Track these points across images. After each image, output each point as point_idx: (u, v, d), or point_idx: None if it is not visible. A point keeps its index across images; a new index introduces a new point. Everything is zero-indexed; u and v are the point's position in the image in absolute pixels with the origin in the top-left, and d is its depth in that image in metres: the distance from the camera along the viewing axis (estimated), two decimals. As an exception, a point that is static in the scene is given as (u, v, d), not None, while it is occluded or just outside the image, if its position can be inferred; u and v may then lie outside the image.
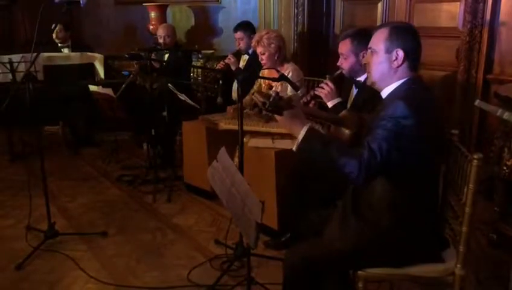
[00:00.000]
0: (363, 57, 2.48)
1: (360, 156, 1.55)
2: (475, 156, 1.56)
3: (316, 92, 2.55)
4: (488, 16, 3.25)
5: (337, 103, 2.51)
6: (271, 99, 1.71)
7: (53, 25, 4.67)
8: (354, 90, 2.60)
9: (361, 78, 2.55)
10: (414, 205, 1.67)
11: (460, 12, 3.50)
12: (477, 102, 1.96)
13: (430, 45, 3.70)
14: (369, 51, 1.79)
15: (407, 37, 1.70)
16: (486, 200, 2.97)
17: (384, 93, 1.75)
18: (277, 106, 1.72)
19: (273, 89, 3.30)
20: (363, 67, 2.51)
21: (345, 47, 2.52)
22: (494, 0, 3.20)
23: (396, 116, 1.55)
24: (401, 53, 1.68)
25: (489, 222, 2.77)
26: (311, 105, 2.58)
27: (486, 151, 2.79)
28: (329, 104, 2.52)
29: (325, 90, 2.52)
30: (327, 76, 2.66)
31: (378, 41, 1.73)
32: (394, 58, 1.70)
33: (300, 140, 1.68)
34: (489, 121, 3.34)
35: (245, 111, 3.11)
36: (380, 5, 4.23)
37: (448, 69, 3.65)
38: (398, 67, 1.70)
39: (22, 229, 2.95)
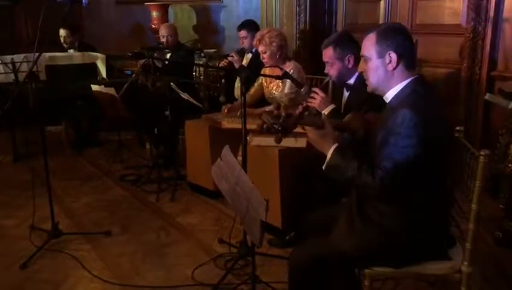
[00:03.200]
0: (349, 61, 2.49)
1: (376, 177, 1.56)
2: (482, 153, 1.55)
3: (309, 104, 2.51)
4: (491, 13, 3.24)
5: (332, 109, 2.48)
6: (281, 120, 1.72)
7: (60, 30, 4.66)
8: (346, 94, 2.59)
9: (351, 81, 2.55)
10: (421, 206, 1.65)
11: (463, 9, 3.48)
12: (487, 95, 1.96)
13: (433, 43, 3.70)
14: (362, 58, 1.77)
15: (396, 37, 1.68)
16: (491, 198, 2.96)
17: (389, 96, 1.72)
18: (287, 125, 1.73)
19: (280, 93, 3.28)
20: (350, 70, 2.51)
21: (328, 54, 2.51)
22: (498, -3, 3.19)
23: (405, 126, 1.53)
24: (393, 55, 1.66)
25: (495, 219, 2.76)
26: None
27: (491, 149, 2.77)
28: (325, 112, 2.48)
29: (317, 100, 2.48)
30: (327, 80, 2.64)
31: (369, 47, 1.71)
32: (388, 61, 1.67)
33: (328, 159, 1.70)
34: (494, 118, 3.33)
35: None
36: (382, 2, 4.22)
37: (452, 67, 3.63)
38: (393, 70, 1.68)
39: (26, 229, 2.95)
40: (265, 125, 1.80)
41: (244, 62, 4.02)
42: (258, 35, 3.32)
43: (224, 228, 3.03)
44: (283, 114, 1.72)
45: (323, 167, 1.72)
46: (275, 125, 1.73)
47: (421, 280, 2.04)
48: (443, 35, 3.67)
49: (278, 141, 1.90)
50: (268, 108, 3.35)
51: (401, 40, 1.68)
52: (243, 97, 2.34)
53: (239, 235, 2.66)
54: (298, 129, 2.23)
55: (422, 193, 1.64)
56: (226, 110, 3.44)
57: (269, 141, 2.85)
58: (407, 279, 2.22)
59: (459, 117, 3.46)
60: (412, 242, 1.66)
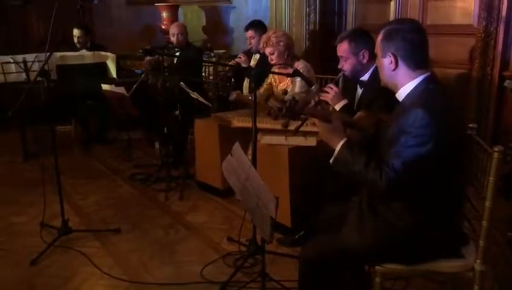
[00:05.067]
0: (363, 56, 2.48)
1: (383, 174, 1.55)
2: (496, 149, 1.54)
3: (321, 97, 2.52)
4: (504, 12, 3.21)
5: (344, 105, 2.48)
6: (287, 105, 1.71)
7: (74, 30, 4.68)
8: (359, 90, 2.58)
9: (365, 77, 2.53)
10: (433, 204, 1.64)
11: (475, 9, 3.45)
12: (506, 82, 1.96)
13: (444, 43, 3.67)
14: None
15: (397, 39, 1.68)
16: (503, 199, 2.92)
17: (401, 94, 1.72)
18: (293, 110, 1.72)
19: (288, 94, 3.27)
20: (365, 66, 2.50)
21: (343, 49, 2.50)
22: (510, -4, 3.16)
23: (416, 125, 1.53)
24: (392, 57, 1.68)
25: (507, 220, 2.73)
26: None
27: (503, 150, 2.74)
28: (337, 108, 2.49)
29: (330, 94, 2.49)
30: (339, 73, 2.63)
31: (377, 45, 1.75)
32: (389, 62, 1.70)
33: (336, 153, 1.71)
34: (505, 119, 3.30)
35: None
36: (392, 3, 4.19)
37: (463, 67, 3.60)
38: (394, 70, 1.70)
39: (36, 226, 2.97)
40: (272, 110, 1.81)
41: (252, 63, 4.02)
42: (263, 37, 3.31)
43: (233, 226, 3.02)
44: (289, 99, 1.72)
45: (331, 161, 1.73)
46: (281, 110, 1.73)
47: (432, 279, 2.02)
48: (454, 35, 3.64)
49: (285, 125, 1.91)
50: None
51: (402, 42, 1.67)
52: (250, 94, 2.34)
53: (248, 233, 2.66)
54: (308, 128, 2.23)
55: (433, 190, 1.63)
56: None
57: (279, 139, 2.85)
58: (417, 279, 2.21)
59: (469, 118, 3.43)
60: (424, 239, 1.65)
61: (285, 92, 3.07)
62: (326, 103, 2.53)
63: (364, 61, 2.49)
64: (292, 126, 2.10)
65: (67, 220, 2.89)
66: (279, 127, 2.92)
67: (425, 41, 1.71)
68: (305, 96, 3.19)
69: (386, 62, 1.71)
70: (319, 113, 1.85)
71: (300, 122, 2.02)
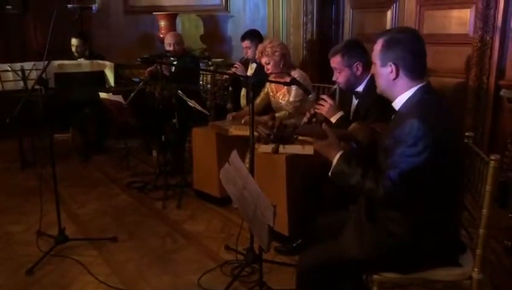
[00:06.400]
0: (357, 69, 2.49)
1: (380, 184, 1.56)
2: (492, 157, 1.55)
3: (316, 110, 2.52)
4: (499, 22, 3.24)
5: (340, 117, 2.48)
6: (275, 130, 1.73)
7: (72, 39, 4.69)
8: (354, 101, 2.59)
9: (360, 88, 2.54)
10: (430, 213, 1.64)
11: (470, 18, 3.49)
12: (502, 91, 1.98)
13: (440, 52, 3.70)
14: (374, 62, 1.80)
15: (398, 48, 1.67)
16: (500, 207, 2.93)
17: (397, 104, 1.73)
18: (282, 135, 1.74)
19: (277, 115, 3.27)
20: (359, 78, 2.51)
21: (336, 62, 2.51)
22: (506, 6, 3.19)
23: (412, 135, 1.53)
24: (393, 66, 1.67)
25: (504, 228, 2.73)
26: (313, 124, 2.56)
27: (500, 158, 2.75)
28: (333, 120, 2.48)
29: (325, 106, 2.49)
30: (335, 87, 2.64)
31: (375, 54, 1.74)
32: (390, 71, 1.69)
33: (333, 166, 1.72)
34: (501, 127, 3.31)
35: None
36: (389, 12, 4.23)
37: (459, 76, 3.63)
38: (395, 79, 1.69)
39: (33, 235, 2.96)
40: (261, 137, 1.82)
41: (249, 72, 4.03)
42: (259, 47, 3.32)
43: (231, 235, 3.02)
44: (277, 124, 1.73)
45: (329, 174, 1.74)
46: (269, 136, 1.74)
47: (430, 287, 2.02)
48: (450, 44, 3.67)
49: (274, 151, 1.92)
50: (263, 118, 3.32)
51: (402, 51, 1.67)
52: (250, 104, 2.35)
53: (245, 242, 2.65)
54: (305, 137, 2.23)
55: (430, 199, 1.63)
56: (231, 117, 3.46)
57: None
58: (414, 288, 2.21)
59: (466, 127, 3.44)
60: (422, 248, 1.65)
61: (273, 117, 3.09)
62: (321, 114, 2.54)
63: (358, 73, 2.50)
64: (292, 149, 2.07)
65: (64, 229, 2.87)
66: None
67: (424, 51, 1.72)
68: (300, 106, 3.21)
69: (386, 71, 1.70)
70: (312, 131, 1.87)
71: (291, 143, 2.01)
